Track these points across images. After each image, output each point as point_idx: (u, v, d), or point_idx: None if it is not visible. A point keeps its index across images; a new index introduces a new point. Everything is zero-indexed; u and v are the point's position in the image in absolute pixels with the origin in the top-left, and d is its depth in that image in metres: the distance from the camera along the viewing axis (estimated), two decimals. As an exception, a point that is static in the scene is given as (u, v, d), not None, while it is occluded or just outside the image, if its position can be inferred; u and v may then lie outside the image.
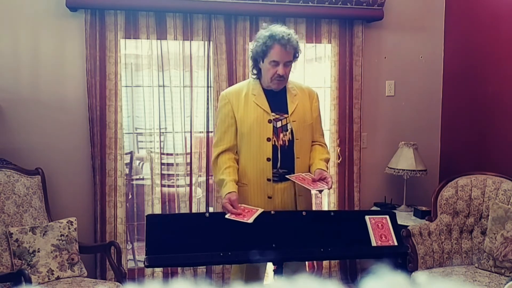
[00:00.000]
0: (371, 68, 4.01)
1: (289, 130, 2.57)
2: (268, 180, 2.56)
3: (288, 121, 2.58)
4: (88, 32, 3.41)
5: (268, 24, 2.66)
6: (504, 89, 3.55)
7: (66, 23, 3.45)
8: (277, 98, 2.60)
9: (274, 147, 2.55)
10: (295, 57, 2.58)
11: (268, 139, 2.54)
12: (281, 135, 2.56)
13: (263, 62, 2.54)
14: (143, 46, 3.57)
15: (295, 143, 2.57)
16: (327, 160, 2.69)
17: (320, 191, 2.59)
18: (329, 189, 2.53)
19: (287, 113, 2.59)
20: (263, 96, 2.60)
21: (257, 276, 2.67)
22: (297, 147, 2.58)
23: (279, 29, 2.53)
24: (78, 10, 3.41)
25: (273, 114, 2.57)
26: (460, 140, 4.01)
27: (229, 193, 2.43)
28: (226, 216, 2.35)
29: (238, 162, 2.62)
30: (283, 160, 2.56)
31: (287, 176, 2.54)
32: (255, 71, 2.62)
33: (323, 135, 2.80)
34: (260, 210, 2.40)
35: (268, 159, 2.54)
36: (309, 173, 2.59)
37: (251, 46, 2.66)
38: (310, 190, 2.69)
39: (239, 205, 2.43)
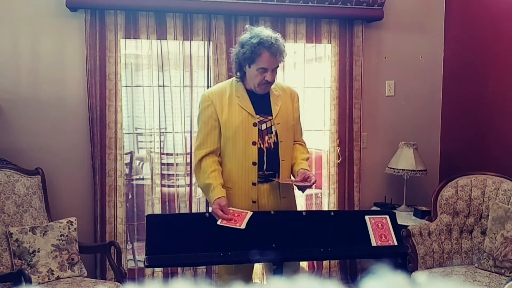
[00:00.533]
0: (371, 68, 4.01)
1: (274, 133, 2.54)
2: (253, 184, 2.53)
3: (272, 123, 2.54)
4: (88, 32, 3.41)
5: (250, 26, 2.60)
6: (504, 89, 3.55)
7: (66, 23, 3.45)
8: (260, 100, 2.56)
9: (260, 150, 2.52)
10: (282, 60, 2.55)
11: (254, 143, 2.51)
12: (266, 138, 2.53)
13: (249, 67, 2.48)
14: (143, 46, 3.57)
15: (280, 146, 2.54)
16: (307, 159, 2.69)
17: (303, 190, 2.58)
18: (311, 184, 2.49)
19: (271, 115, 2.55)
20: (247, 98, 2.55)
21: (247, 275, 2.65)
22: (282, 149, 2.55)
23: (265, 33, 2.47)
24: (78, 10, 3.41)
25: (257, 116, 2.53)
26: (460, 140, 4.01)
27: (218, 198, 2.42)
28: (218, 223, 2.34)
29: (222, 164, 2.58)
30: (269, 163, 2.53)
31: (272, 179, 2.52)
32: (239, 74, 2.56)
33: (302, 134, 2.80)
34: (249, 213, 2.39)
35: (254, 163, 2.51)
36: (293, 178, 2.59)
37: (234, 50, 2.58)
38: (293, 192, 2.70)
39: (229, 208, 2.42)
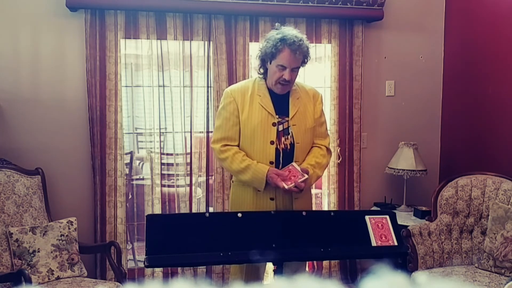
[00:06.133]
0: (371, 68, 4.01)
1: (291, 134, 2.55)
2: None
3: (289, 125, 2.55)
4: (88, 32, 3.41)
5: (281, 25, 2.62)
6: (504, 89, 3.55)
7: (66, 23, 3.45)
8: (281, 101, 2.57)
9: (277, 150, 2.53)
10: (303, 62, 2.55)
11: (272, 142, 2.52)
12: (283, 139, 2.54)
13: (270, 63, 2.51)
14: (143, 46, 3.57)
15: (296, 147, 2.55)
16: (319, 165, 2.61)
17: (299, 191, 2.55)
18: (298, 184, 2.46)
19: (288, 116, 2.56)
20: (268, 97, 2.56)
21: (256, 276, 2.67)
22: (297, 151, 2.56)
23: (291, 32, 2.49)
24: (78, 10, 3.41)
25: (276, 116, 2.55)
26: (460, 140, 4.01)
27: (268, 170, 2.46)
28: (287, 188, 2.41)
29: None
30: (284, 163, 2.54)
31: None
32: (261, 70, 2.59)
33: (325, 137, 2.73)
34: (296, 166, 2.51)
35: (271, 163, 2.52)
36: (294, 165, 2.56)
37: (260, 45, 2.62)
38: (310, 193, 2.70)
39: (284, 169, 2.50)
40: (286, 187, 2.41)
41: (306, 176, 2.47)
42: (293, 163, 2.53)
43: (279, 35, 2.47)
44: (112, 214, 3.54)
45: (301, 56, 2.49)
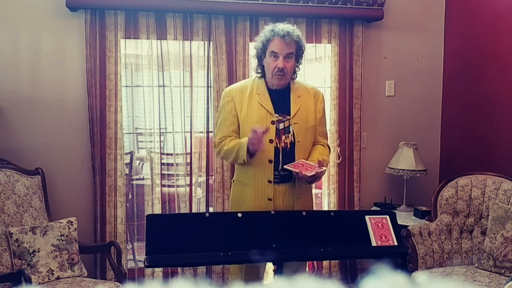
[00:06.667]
0: (371, 68, 4.01)
1: (291, 132, 2.55)
2: (269, 182, 2.54)
3: (290, 123, 2.55)
4: (88, 32, 3.41)
5: (272, 24, 2.66)
6: (504, 89, 3.55)
7: (66, 23, 3.45)
8: (281, 99, 2.58)
9: (276, 149, 2.53)
10: (298, 52, 2.55)
11: (271, 141, 2.52)
12: (283, 137, 2.54)
13: (265, 56, 2.53)
14: (143, 46, 3.57)
15: (296, 146, 2.55)
16: (325, 163, 2.61)
17: (310, 182, 2.55)
18: (318, 174, 2.45)
19: (290, 115, 2.56)
20: (267, 96, 2.57)
21: (256, 276, 2.67)
22: (298, 150, 2.56)
23: (281, 25, 2.54)
24: (78, 10, 3.41)
25: (276, 115, 2.54)
26: (460, 140, 4.01)
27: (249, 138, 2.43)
28: (285, 166, 2.44)
29: None
30: (284, 163, 2.53)
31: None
32: (259, 70, 2.60)
33: (326, 136, 2.76)
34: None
35: (270, 161, 2.52)
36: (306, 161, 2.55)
37: (254, 45, 2.65)
38: (311, 193, 2.68)
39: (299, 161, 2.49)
40: (308, 174, 2.40)
41: (324, 168, 2.49)
42: (302, 159, 2.54)
43: (269, 28, 2.54)
44: (112, 214, 3.54)
45: (292, 42, 2.50)
